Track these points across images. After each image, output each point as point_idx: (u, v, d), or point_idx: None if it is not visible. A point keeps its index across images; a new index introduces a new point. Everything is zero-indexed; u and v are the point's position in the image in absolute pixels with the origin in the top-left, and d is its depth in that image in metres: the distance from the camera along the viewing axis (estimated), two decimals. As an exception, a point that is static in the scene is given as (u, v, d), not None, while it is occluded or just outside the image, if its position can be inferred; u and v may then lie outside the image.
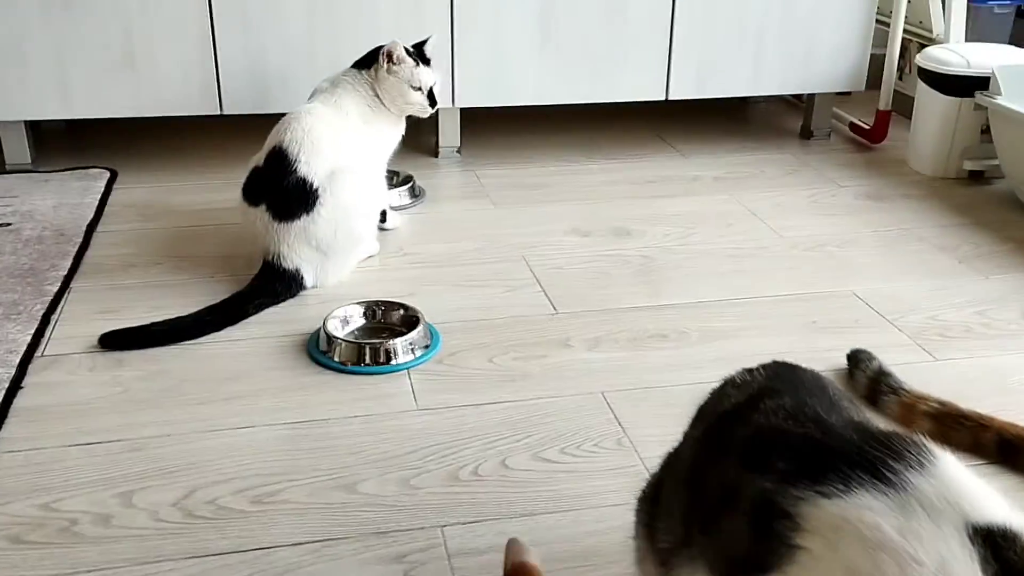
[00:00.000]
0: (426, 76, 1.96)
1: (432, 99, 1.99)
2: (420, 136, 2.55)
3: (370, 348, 1.60)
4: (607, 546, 1.20)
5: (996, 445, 1.37)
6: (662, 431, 1.42)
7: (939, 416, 1.41)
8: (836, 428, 0.79)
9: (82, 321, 1.71)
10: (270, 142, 1.83)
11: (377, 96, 1.95)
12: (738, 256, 2.01)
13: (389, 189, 2.19)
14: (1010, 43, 2.71)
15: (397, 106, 1.96)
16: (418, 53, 1.98)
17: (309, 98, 1.96)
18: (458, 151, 2.58)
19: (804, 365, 0.97)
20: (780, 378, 0.91)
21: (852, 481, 0.71)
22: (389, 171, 2.15)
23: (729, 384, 0.93)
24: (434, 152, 2.58)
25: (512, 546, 1.00)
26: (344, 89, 1.93)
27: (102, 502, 1.27)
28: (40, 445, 1.38)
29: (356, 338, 1.66)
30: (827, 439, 0.77)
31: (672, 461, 0.96)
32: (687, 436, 0.95)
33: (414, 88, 1.95)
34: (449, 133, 2.56)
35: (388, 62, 1.92)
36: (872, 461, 0.72)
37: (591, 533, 1.23)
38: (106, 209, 2.19)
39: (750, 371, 0.94)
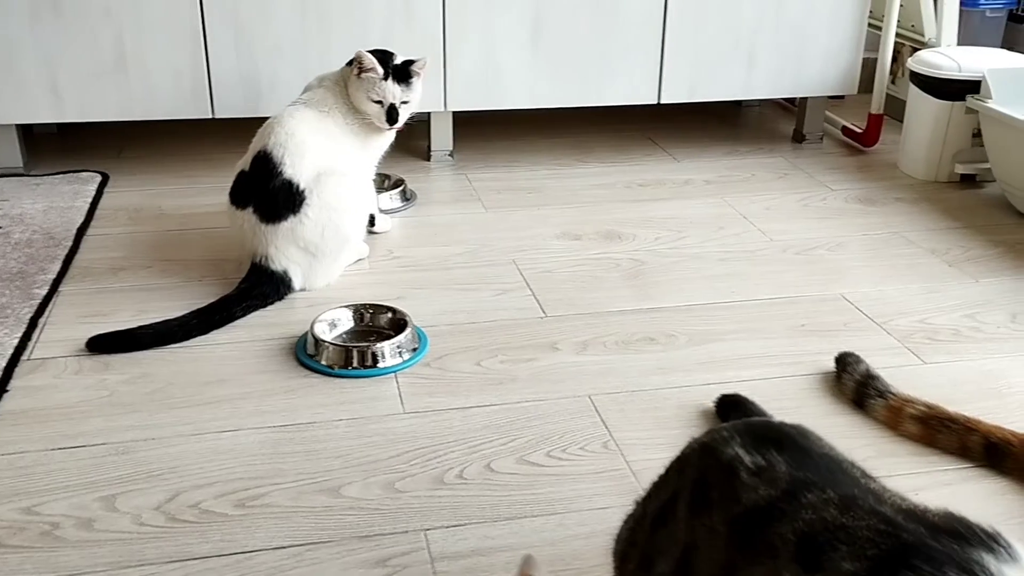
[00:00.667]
0: (391, 92, 1.89)
1: (391, 116, 1.91)
2: (412, 139, 2.55)
3: (357, 351, 1.59)
4: (591, 550, 1.19)
5: (983, 448, 1.36)
6: (648, 434, 1.43)
7: (926, 419, 1.41)
8: (898, 521, 0.72)
9: (70, 325, 1.70)
10: (255, 146, 1.83)
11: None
12: (728, 259, 2.01)
13: (381, 192, 2.19)
14: (1002, 47, 2.71)
15: (360, 112, 1.92)
16: (400, 68, 1.92)
17: (301, 93, 1.96)
18: (450, 154, 2.58)
19: (793, 421, 0.91)
20: (805, 465, 0.82)
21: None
22: (380, 174, 2.15)
23: (742, 469, 0.83)
24: (426, 155, 2.58)
25: (525, 562, 0.97)
26: (327, 88, 1.92)
27: (85, 506, 1.26)
28: (23, 449, 1.37)
29: (344, 341, 1.66)
30: (898, 533, 0.70)
31: (666, 528, 0.88)
32: (690, 516, 0.86)
33: (373, 100, 1.89)
34: (441, 136, 2.56)
35: (358, 68, 1.90)
36: (957, 556, 0.66)
37: (575, 536, 1.22)
38: (96, 212, 2.18)
39: (759, 451, 0.84)
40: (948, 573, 0.65)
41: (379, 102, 1.89)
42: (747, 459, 0.84)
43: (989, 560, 0.66)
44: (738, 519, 0.80)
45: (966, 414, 1.40)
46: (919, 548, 0.68)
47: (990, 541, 0.68)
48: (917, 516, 0.74)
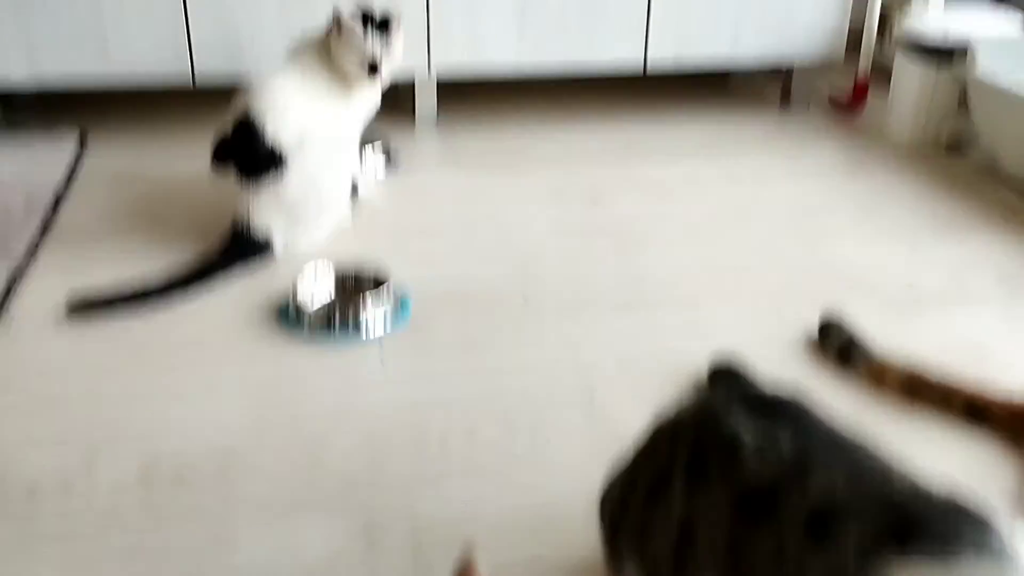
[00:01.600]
0: (370, 44, 1.84)
1: (373, 67, 1.85)
2: (397, 105, 2.52)
3: (340, 317, 1.58)
4: (575, 514, 1.18)
5: (965, 410, 1.36)
6: (632, 398, 1.43)
7: (909, 381, 1.41)
8: (908, 498, 0.74)
9: (48, 289, 1.68)
10: (237, 108, 1.80)
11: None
12: (715, 224, 2.00)
13: (365, 157, 2.16)
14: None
15: (344, 71, 1.86)
16: (377, 20, 1.87)
17: (287, 54, 1.92)
18: (435, 120, 2.55)
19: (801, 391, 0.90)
20: (809, 441, 0.81)
21: (950, 548, 0.67)
22: (365, 139, 2.13)
23: (744, 445, 0.81)
24: (411, 121, 2.55)
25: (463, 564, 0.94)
26: (311, 49, 1.89)
27: (62, 469, 1.25)
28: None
29: (326, 306, 1.64)
30: (907, 509, 0.72)
31: (661, 499, 0.87)
32: (688, 491, 0.85)
33: (354, 55, 1.83)
34: (426, 102, 2.54)
35: (337, 25, 1.86)
36: (968, 531, 0.68)
37: (559, 502, 1.22)
38: (76, 177, 2.16)
39: (760, 425, 0.83)
40: (959, 546, 0.66)
41: (360, 55, 1.85)
42: (749, 434, 0.82)
43: (998, 535, 0.67)
44: (743, 498, 0.79)
45: (949, 376, 1.40)
46: (929, 522, 0.69)
47: (995, 517, 0.69)
48: (926, 494, 0.74)
